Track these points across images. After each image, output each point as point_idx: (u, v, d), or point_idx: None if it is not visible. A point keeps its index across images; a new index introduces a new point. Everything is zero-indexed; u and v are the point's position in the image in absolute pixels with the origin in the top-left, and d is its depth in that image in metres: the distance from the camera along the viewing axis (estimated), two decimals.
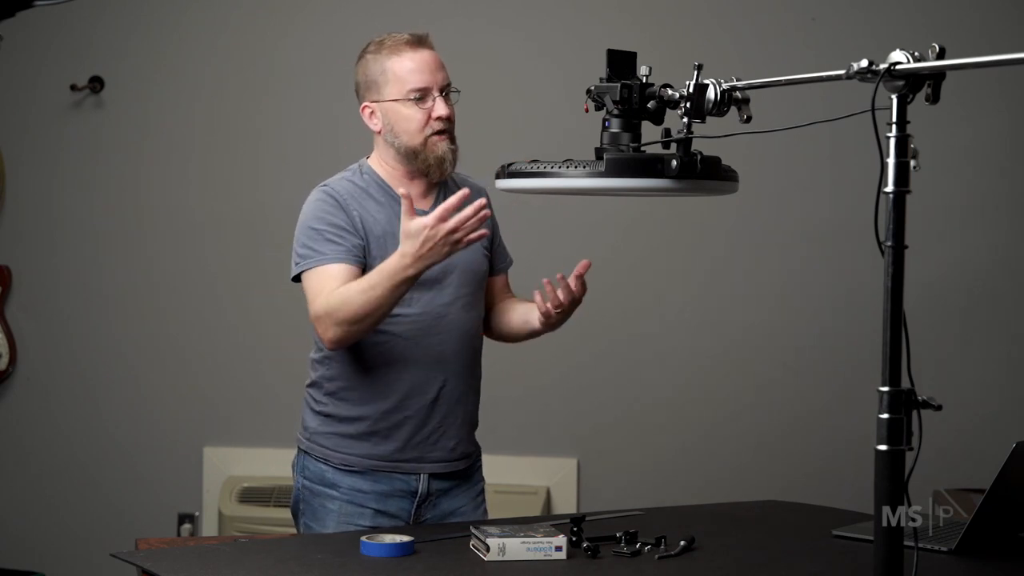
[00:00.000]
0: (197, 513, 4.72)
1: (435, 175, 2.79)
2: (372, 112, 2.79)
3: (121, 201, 4.75)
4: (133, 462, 4.77)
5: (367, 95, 2.80)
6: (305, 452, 2.86)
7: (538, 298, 2.73)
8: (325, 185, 2.82)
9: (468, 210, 2.51)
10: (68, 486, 4.80)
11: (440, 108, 2.74)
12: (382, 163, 2.83)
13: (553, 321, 2.77)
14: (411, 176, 2.80)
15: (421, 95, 2.74)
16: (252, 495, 4.58)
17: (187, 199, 4.73)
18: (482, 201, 2.53)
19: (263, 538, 3.09)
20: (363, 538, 2.39)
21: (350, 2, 4.65)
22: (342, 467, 2.80)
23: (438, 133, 2.75)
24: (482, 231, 2.57)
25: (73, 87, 4.69)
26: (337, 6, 4.66)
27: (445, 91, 2.76)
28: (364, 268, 2.71)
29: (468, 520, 2.78)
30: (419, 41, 2.76)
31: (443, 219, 2.50)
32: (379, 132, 2.80)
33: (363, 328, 2.65)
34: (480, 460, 2.97)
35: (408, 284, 2.59)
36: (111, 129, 4.74)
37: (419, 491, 2.81)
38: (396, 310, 2.73)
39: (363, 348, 2.77)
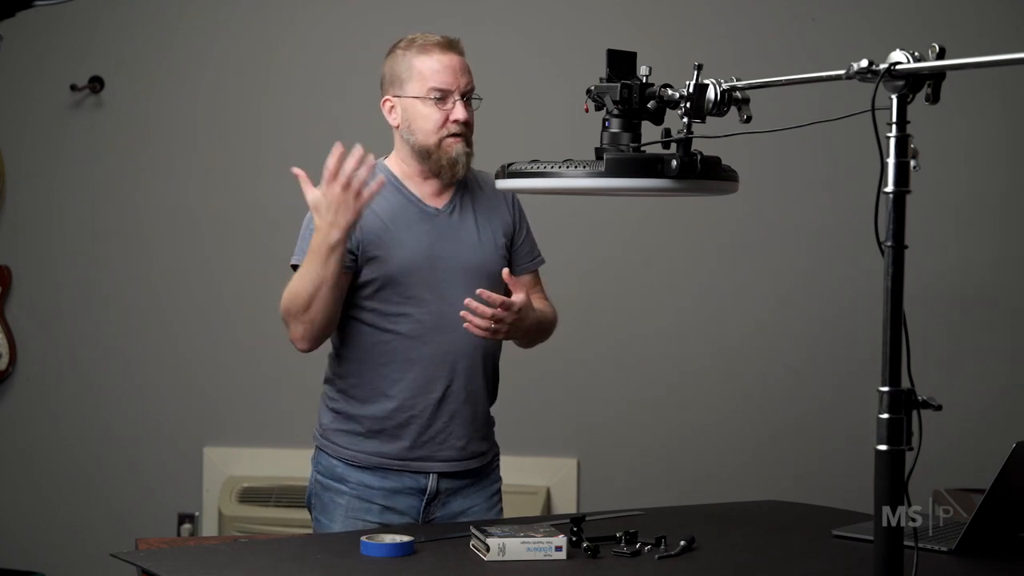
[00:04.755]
0: (197, 513, 4.72)
1: (446, 176, 2.80)
2: (392, 106, 2.82)
3: (121, 201, 4.75)
4: (133, 462, 4.77)
5: (390, 89, 2.82)
6: (320, 448, 2.89)
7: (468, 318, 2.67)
8: None
9: (350, 161, 2.57)
10: (68, 486, 4.79)
11: (459, 111, 2.76)
12: (399, 161, 2.86)
13: (500, 336, 2.72)
14: (424, 175, 2.83)
15: (441, 96, 2.76)
16: (252, 495, 4.58)
17: (187, 199, 4.73)
18: (359, 150, 2.58)
19: (263, 538, 3.09)
20: (363, 538, 2.39)
21: (350, 2, 4.65)
22: (352, 463, 2.82)
23: (453, 135, 2.77)
24: (379, 178, 2.63)
25: (73, 87, 4.69)
26: (337, 6, 4.66)
27: (467, 96, 2.79)
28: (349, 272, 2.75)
29: (481, 519, 2.78)
30: (449, 44, 2.79)
31: (332, 180, 2.57)
32: (397, 127, 2.83)
33: (314, 318, 2.68)
34: (497, 459, 2.98)
35: (335, 253, 2.62)
36: (111, 129, 4.74)
37: (428, 489, 2.83)
38: (401, 309, 2.76)
39: (368, 346, 2.80)
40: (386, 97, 2.83)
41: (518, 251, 2.95)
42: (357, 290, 2.79)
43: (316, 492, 2.88)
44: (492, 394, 2.93)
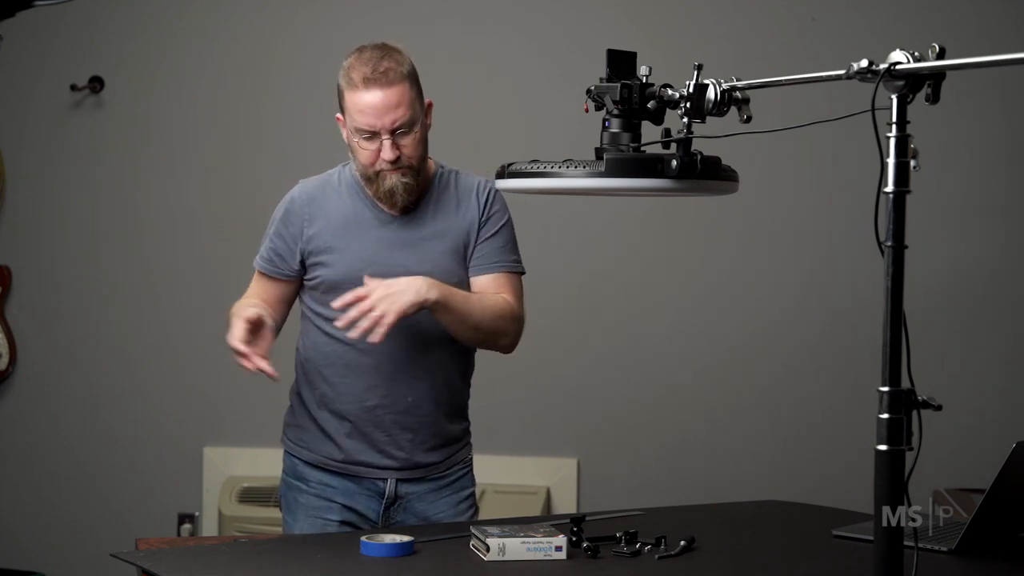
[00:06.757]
0: (197, 513, 4.72)
1: (386, 205, 2.77)
2: (342, 125, 2.80)
3: (121, 201, 4.75)
4: (133, 462, 4.77)
5: (340, 106, 2.79)
6: (284, 446, 2.94)
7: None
8: (300, 183, 2.89)
9: (260, 363, 2.80)
10: (68, 486, 4.79)
11: (386, 152, 2.68)
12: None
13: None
14: None
15: (370, 136, 2.70)
16: (252, 495, 4.58)
17: (187, 199, 4.73)
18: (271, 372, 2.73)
19: (263, 538, 3.09)
20: (363, 538, 2.40)
21: (350, 2, 4.65)
22: (309, 462, 2.85)
23: (389, 167, 2.71)
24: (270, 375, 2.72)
25: (73, 87, 4.69)
26: (337, 6, 4.66)
27: (397, 131, 2.69)
28: (279, 276, 2.87)
29: None
30: (374, 79, 2.68)
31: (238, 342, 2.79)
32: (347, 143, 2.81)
33: None
34: (466, 467, 2.92)
35: None
36: (111, 129, 4.74)
37: (386, 493, 2.82)
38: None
39: (315, 347, 2.84)
40: (338, 114, 2.80)
41: (474, 252, 2.82)
42: (309, 291, 2.83)
43: (283, 491, 2.91)
44: (450, 408, 2.86)
